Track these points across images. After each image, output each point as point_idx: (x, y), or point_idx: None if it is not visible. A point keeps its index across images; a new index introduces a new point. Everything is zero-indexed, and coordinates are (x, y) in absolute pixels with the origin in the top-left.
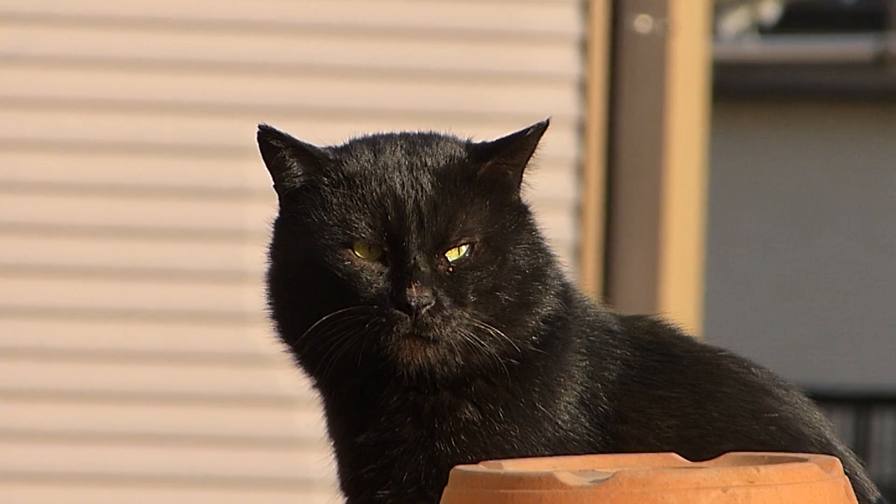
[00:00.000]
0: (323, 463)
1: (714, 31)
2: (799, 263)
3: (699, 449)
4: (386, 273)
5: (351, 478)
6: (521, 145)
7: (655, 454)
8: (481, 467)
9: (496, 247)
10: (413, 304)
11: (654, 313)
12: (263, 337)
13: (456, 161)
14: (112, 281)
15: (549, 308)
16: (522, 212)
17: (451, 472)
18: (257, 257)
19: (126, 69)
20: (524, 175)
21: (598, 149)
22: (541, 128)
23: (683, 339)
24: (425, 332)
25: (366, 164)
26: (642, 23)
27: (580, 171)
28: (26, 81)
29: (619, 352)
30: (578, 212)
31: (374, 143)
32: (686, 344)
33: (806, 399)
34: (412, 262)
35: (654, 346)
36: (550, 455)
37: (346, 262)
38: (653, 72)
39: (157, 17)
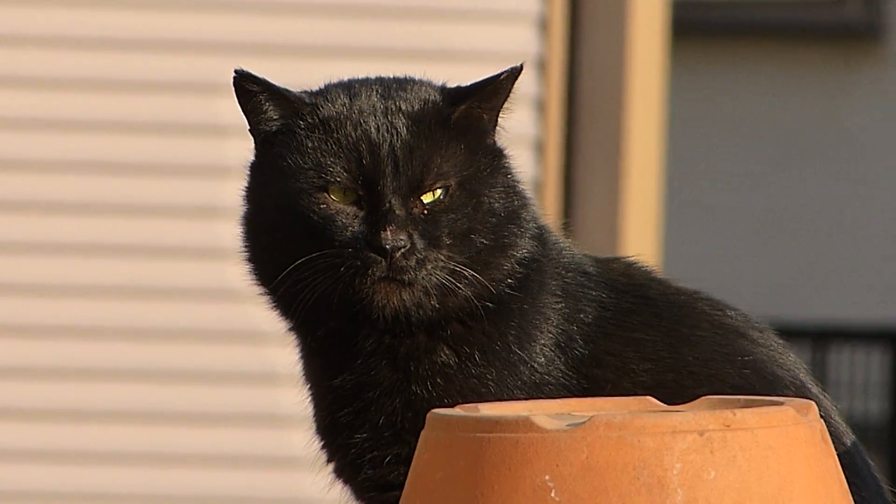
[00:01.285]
0: (300, 405)
1: None
2: (769, 199)
3: (674, 393)
4: (361, 216)
5: (328, 421)
6: (495, 89)
7: (631, 398)
8: (458, 411)
9: (471, 190)
10: (388, 246)
11: (616, 250)
12: (238, 275)
13: (430, 105)
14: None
15: (524, 251)
16: (497, 155)
17: (428, 415)
18: (234, 194)
19: (97, 5)
20: (499, 119)
21: (558, 85)
22: (514, 72)
23: (659, 282)
24: (400, 275)
25: (341, 108)
26: None
27: (541, 107)
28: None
29: (594, 294)
30: (539, 148)
31: (350, 88)
32: (661, 286)
33: (780, 341)
34: (387, 205)
35: (629, 287)
36: (526, 398)
37: (321, 206)
38: (613, 9)
39: None
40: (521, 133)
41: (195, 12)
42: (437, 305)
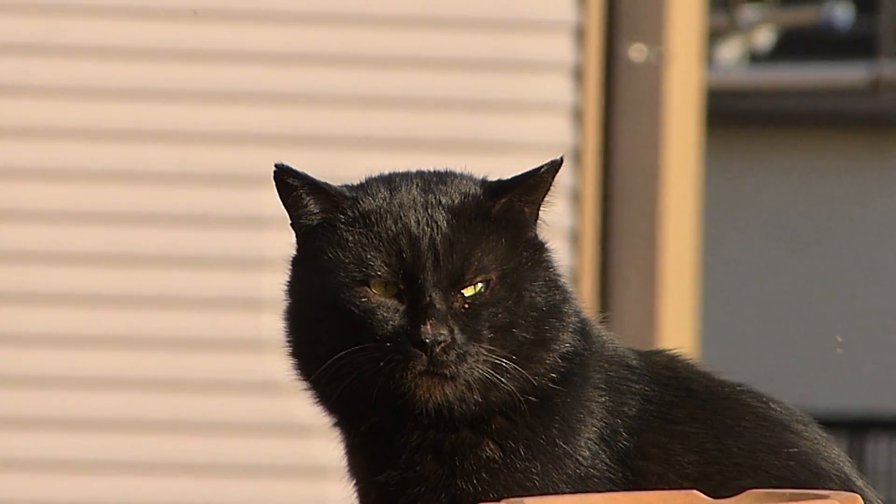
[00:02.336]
0: (345, 500)
1: (709, 60)
2: (788, 286)
3: (719, 485)
4: (402, 310)
5: None
6: (535, 182)
7: (677, 492)
8: None
9: (512, 283)
10: (428, 340)
11: (653, 340)
12: (280, 366)
13: (470, 198)
14: (124, 309)
15: (566, 344)
16: (539, 249)
17: None
18: (275, 285)
19: (133, 99)
20: (540, 212)
21: (593, 176)
22: (555, 165)
23: (701, 374)
24: (441, 369)
25: (381, 202)
26: (637, 52)
27: (576, 198)
28: (25, 111)
29: (637, 387)
30: (574, 238)
31: (390, 182)
32: (704, 379)
33: (823, 434)
34: (428, 299)
35: (672, 381)
36: (572, 492)
37: (362, 300)
38: (647, 100)
39: (164, 47)
40: (557, 224)
41: (234, 104)
42: (481, 399)
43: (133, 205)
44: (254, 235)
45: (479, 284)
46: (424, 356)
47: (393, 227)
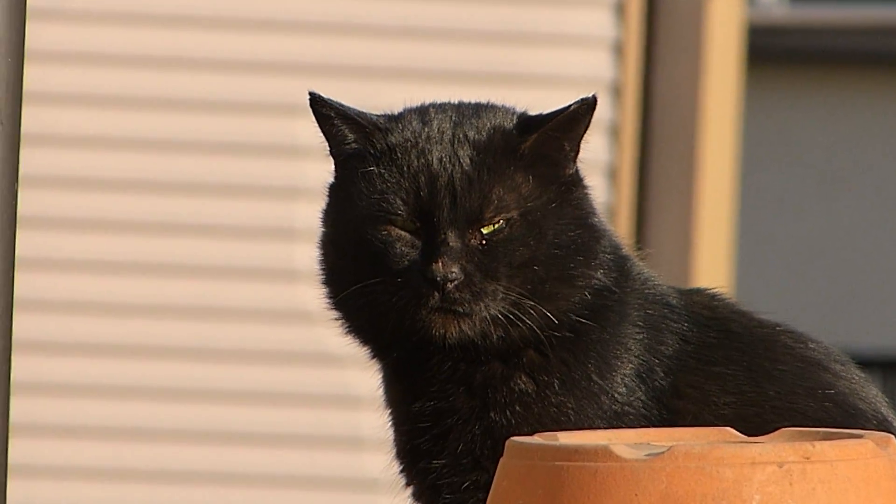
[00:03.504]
0: (379, 429)
1: None
2: (826, 225)
3: (756, 427)
4: (419, 247)
5: (408, 446)
6: (567, 119)
7: (710, 428)
8: (537, 439)
9: (533, 221)
10: (438, 278)
11: (688, 276)
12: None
13: (500, 133)
14: (164, 236)
15: (596, 280)
16: (570, 186)
17: (507, 443)
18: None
19: (172, 26)
20: (577, 149)
21: (632, 112)
22: (588, 102)
23: (741, 315)
24: (454, 306)
25: (409, 135)
26: None
27: (615, 133)
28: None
29: (676, 326)
30: (612, 174)
31: (425, 113)
32: (744, 319)
33: (862, 374)
34: (441, 237)
35: (711, 321)
36: (606, 428)
37: (383, 233)
38: (688, 36)
39: None
40: (595, 159)
41: (272, 31)
42: (503, 335)
43: (166, 132)
44: (290, 164)
45: (499, 222)
46: (437, 293)
47: (415, 163)
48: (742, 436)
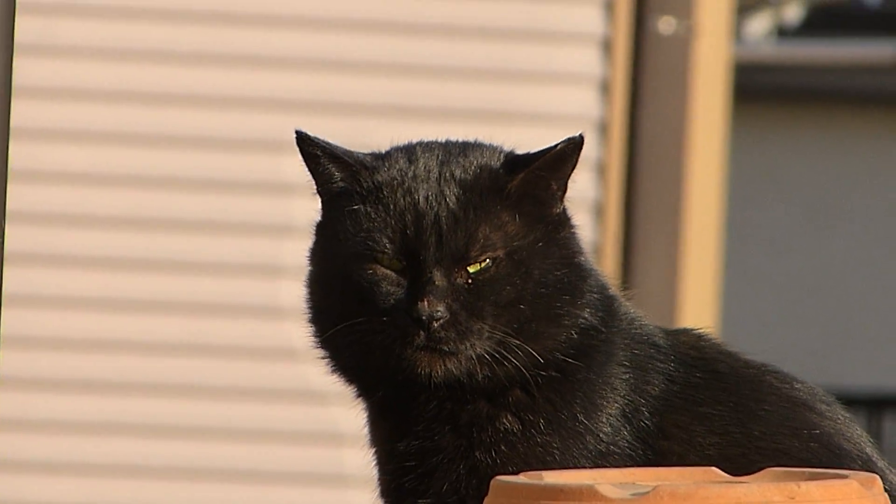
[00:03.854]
0: (364, 467)
1: (737, 34)
2: (812, 263)
3: (741, 467)
4: (405, 286)
5: (393, 486)
6: (553, 158)
7: (696, 468)
8: (522, 478)
9: (520, 260)
10: (424, 317)
11: (674, 315)
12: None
13: (487, 172)
14: (146, 273)
15: (582, 320)
16: (557, 226)
17: (492, 482)
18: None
19: (160, 62)
20: (563, 188)
21: (619, 149)
22: (574, 141)
23: (727, 355)
24: (439, 345)
25: (396, 173)
26: (666, 24)
27: (601, 170)
28: (54, 72)
29: (662, 366)
30: (598, 211)
31: (412, 152)
32: (730, 360)
33: (846, 414)
34: (427, 275)
35: (698, 361)
36: (592, 468)
37: (368, 272)
38: (675, 73)
39: (191, 9)
40: (581, 196)
41: (260, 68)
42: (489, 374)
43: (153, 169)
44: (278, 201)
45: (486, 261)
46: (423, 332)
47: (402, 202)
48: (727, 476)
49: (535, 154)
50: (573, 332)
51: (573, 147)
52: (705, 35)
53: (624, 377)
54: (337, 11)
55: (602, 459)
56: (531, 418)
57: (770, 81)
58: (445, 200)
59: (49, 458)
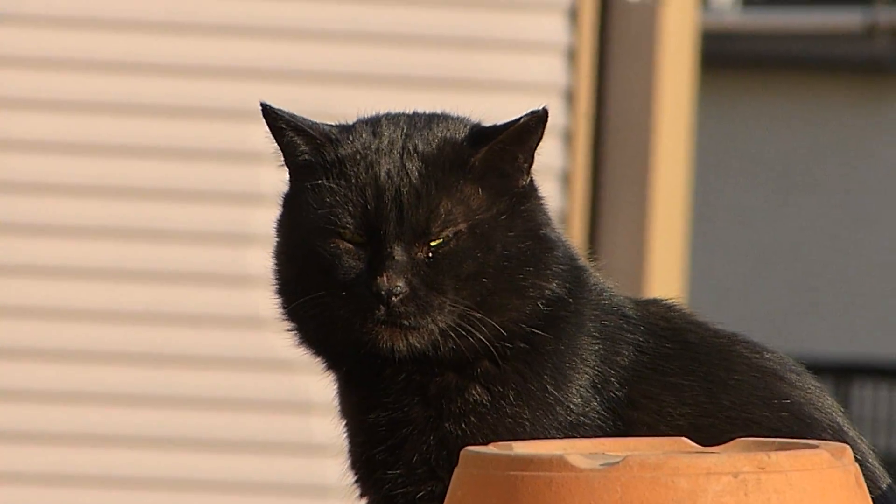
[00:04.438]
0: (334, 437)
1: (704, 2)
2: (779, 232)
3: (711, 437)
4: (366, 260)
5: (363, 458)
6: (518, 131)
7: (666, 439)
8: (491, 448)
9: (482, 234)
10: (382, 292)
11: (641, 282)
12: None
13: (451, 146)
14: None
15: (548, 291)
16: (522, 198)
17: (462, 452)
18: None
19: (125, 31)
20: (528, 161)
21: (585, 117)
22: (536, 116)
23: (697, 325)
24: (399, 320)
25: (360, 147)
26: None
27: (568, 138)
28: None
29: (632, 337)
30: (566, 179)
31: (377, 125)
32: (700, 330)
33: (817, 384)
34: (387, 250)
35: (668, 332)
36: (562, 438)
37: (331, 246)
38: (642, 41)
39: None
40: (548, 164)
41: (227, 36)
42: (454, 347)
43: (129, 138)
44: (247, 169)
45: (447, 235)
46: (382, 307)
47: (363, 176)
48: (697, 446)
49: (499, 127)
50: (539, 303)
51: (537, 120)
52: (672, 3)
53: (594, 348)
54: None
55: (573, 430)
56: (500, 389)
57: (737, 49)
58: (407, 175)
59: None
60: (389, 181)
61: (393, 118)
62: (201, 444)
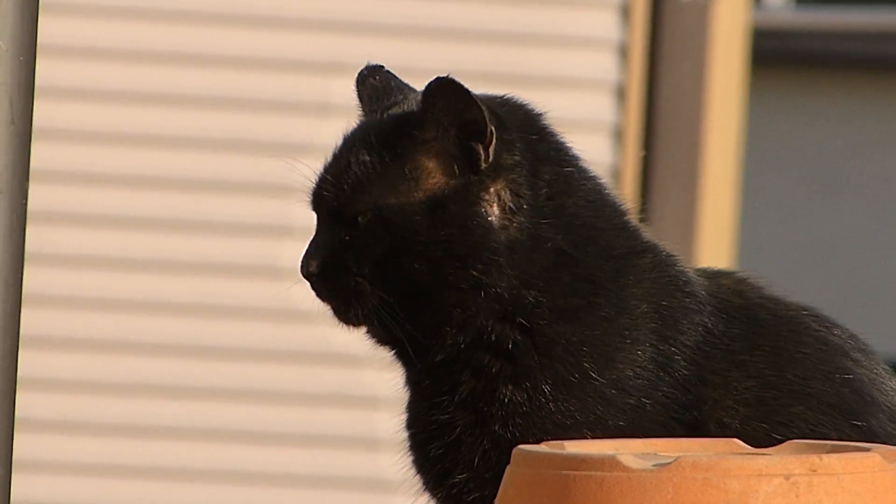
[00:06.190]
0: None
1: (757, 1)
2: (827, 231)
3: (772, 410)
4: None
5: (419, 454)
6: (440, 109)
7: (718, 440)
8: (543, 447)
9: (401, 219)
10: (302, 273)
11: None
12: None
13: (402, 123)
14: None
15: (491, 282)
16: (481, 179)
17: (514, 451)
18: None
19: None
20: (478, 141)
21: (636, 114)
22: (441, 83)
23: (768, 300)
24: (324, 301)
25: (346, 129)
26: None
27: (618, 135)
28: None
29: (698, 318)
30: (616, 176)
31: (383, 110)
32: (771, 304)
33: (884, 366)
34: (316, 231)
35: (738, 310)
36: (627, 423)
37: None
38: (694, 39)
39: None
40: (599, 160)
41: (277, 28)
42: (384, 336)
43: (174, 129)
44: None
45: (368, 216)
46: (311, 288)
47: (325, 158)
48: (749, 448)
49: (426, 104)
50: (485, 294)
51: (441, 88)
52: (724, 1)
53: (649, 327)
54: None
55: (635, 413)
56: (532, 385)
57: (789, 47)
58: (347, 157)
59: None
60: (332, 163)
61: (399, 104)
62: (257, 436)
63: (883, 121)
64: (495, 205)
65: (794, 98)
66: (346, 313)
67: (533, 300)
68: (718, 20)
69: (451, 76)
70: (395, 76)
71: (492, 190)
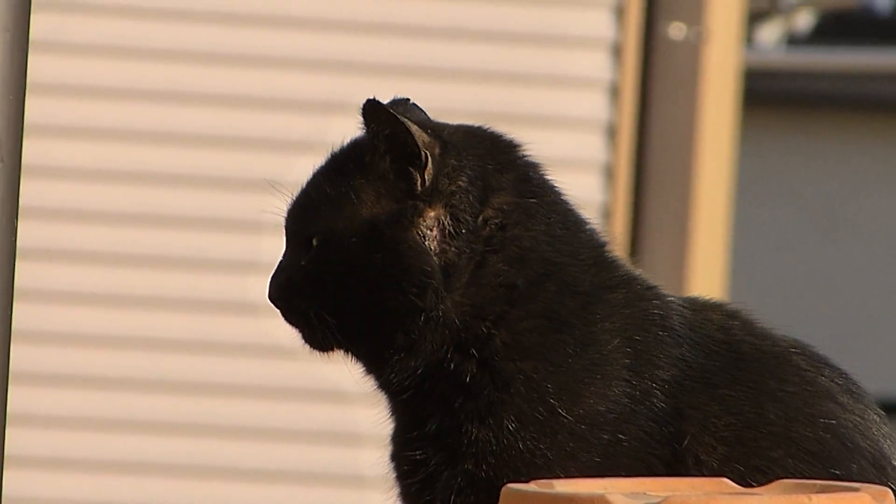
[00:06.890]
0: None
1: (748, 41)
2: (819, 270)
3: (751, 452)
4: None
5: (401, 489)
6: (376, 132)
7: (707, 479)
8: (532, 486)
9: (345, 246)
10: (267, 296)
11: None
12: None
13: (352, 152)
14: (145, 268)
15: (432, 305)
16: (418, 204)
17: (503, 490)
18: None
19: (169, 59)
20: (413, 165)
21: (627, 153)
22: (371, 104)
23: (756, 335)
24: (289, 323)
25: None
26: (676, 30)
27: (609, 174)
28: (63, 68)
29: (675, 352)
30: (606, 215)
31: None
32: (757, 340)
33: (877, 410)
34: (282, 255)
35: (722, 345)
36: (602, 459)
37: None
38: (685, 78)
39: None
40: (589, 199)
41: (246, 67)
42: (347, 355)
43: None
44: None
45: (319, 243)
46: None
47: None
48: (738, 487)
49: (376, 131)
50: (418, 320)
51: (373, 111)
52: (716, 41)
53: (622, 362)
54: (349, 13)
55: (611, 449)
56: (494, 423)
57: (780, 88)
58: (310, 182)
59: (53, 454)
60: (300, 190)
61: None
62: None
63: (875, 161)
64: (435, 229)
65: (786, 137)
66: (312, 337)
67: (486, 332)
68: (710, 60)
69: (374, 99)
70: (421, 109)
71: (431, 214)
